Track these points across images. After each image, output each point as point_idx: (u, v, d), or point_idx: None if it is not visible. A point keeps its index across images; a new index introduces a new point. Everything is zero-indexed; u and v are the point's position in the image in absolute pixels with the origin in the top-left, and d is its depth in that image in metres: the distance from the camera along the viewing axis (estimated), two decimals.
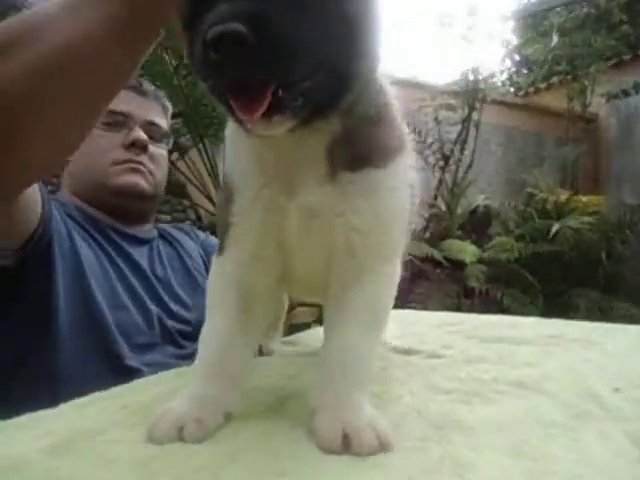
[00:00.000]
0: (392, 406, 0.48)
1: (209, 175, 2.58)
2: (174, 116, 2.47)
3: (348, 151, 0.40)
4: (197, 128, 2.37)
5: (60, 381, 0.67)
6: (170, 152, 1.12)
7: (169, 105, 0.98)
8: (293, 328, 1.07)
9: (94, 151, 0.81)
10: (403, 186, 0.43)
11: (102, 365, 0.71)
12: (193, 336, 0.89)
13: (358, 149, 0.40)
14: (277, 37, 0.30)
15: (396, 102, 0.44)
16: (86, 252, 0.75)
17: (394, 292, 0.45)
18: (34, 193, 0.63)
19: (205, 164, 2.55)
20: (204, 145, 2.44)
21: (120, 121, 0.83)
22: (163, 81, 2.15)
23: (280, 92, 0.32)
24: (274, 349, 0.71)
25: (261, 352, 0.70)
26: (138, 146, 0.83)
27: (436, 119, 3.88)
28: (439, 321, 0.98)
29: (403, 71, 4.73)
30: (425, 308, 2.77)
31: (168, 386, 0.53)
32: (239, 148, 0.43)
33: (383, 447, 0.36)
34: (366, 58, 0.37)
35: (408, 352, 0.70)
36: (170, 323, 0.84)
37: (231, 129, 0.44)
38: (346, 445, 0.36)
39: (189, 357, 0.84)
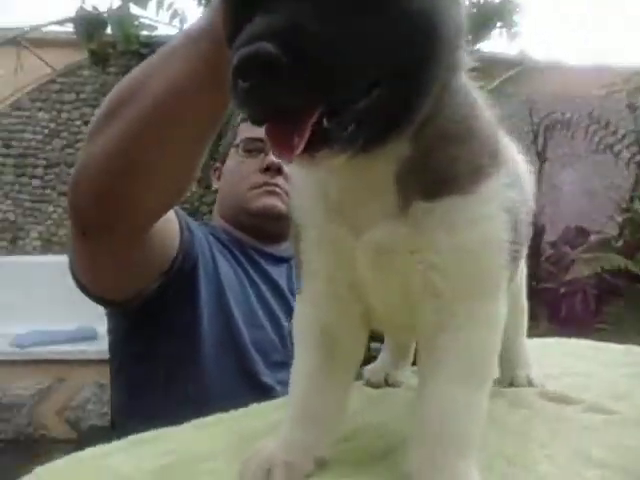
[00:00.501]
0: (522, 475, 0.40)
1: None
2: None
3: (423, 177, 0.34)
4: None
5: (204, 399, 0.72)
6: None
7: None
8: None
9: (236, 177, 0.89)
10: (497, 212, 0.35)
11: (240, 382, 0.76)
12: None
13: (435, 173, 0.34)
14: (316, 55, 0.25)
15: (486, 111, 0.37)
16: (226, 271, 0.81)
17: (498, 336, 0.38)
18: (169, 223, 0.70)
19: None
20: None
21: (259, 147, 0.89)
22: None
23: (325, 122, 0.27)
24: (402, 380, 0.66)
25: (387, 383, 0.66)
26: (273, 169, 0.88)
27: (630, 106, 3.28)
28: (616, 357, 0.80)
29: (586, 53, 4.15)
30: (617, 331, 2.35)
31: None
32: (302, 180, 0.40)
33: None
34: (439, 64, 0.31)
35: (563, 400, 0.58)
36: None
37: None
38: None
39: None
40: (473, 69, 0.36)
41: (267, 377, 0.78)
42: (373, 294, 0.38)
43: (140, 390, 0.79)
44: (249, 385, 0.75)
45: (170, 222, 0.71)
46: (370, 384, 0.66)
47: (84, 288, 0.69)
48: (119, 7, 2.59)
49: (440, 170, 0.34)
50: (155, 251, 0.69)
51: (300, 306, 0.43)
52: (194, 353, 0.77)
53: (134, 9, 2.64)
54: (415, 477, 0.34)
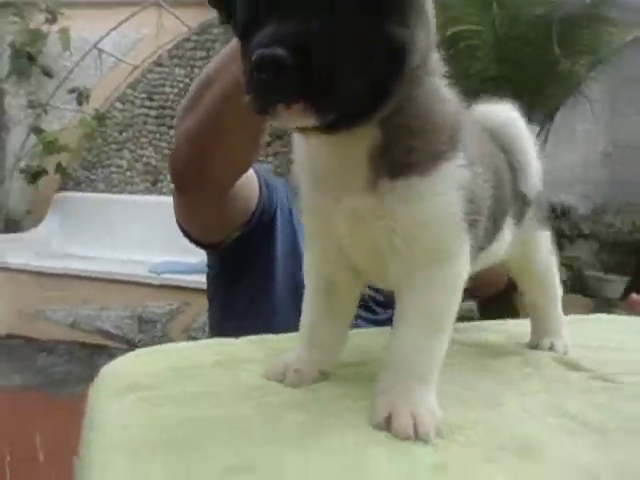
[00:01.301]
0: (485, 408, 0.48)
1: None
2: None
3: (389, 159, 0.41)
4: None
5: (275, 326, 0.88)
6: None
7: None
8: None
9: None
10: (450, 190, 0.41)
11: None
12: (385, 304, 1.00)
13: (398, 157, 0.41)
14: (317, 63, 0.33)
15: (452, 106, 0.43)
16: (299, 218, 0.94)
17: (454, 294, 0.45)
18: (250, 182, 0.84)
19: None
20: None
21: None
22: None
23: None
24: None
25: None
26: None
27: None
28: None
29: None
30: None
31: None
32: (298, 152, 0.48)
33: (418, 435, 0.40)
34: (404, 75, 0.38)
35: (573, 367, 0.62)
36: (364, 290, 0.97)
37: (295, 135, 0.48)
38: (388, 425, 0.41)
39: (381, 323, 0.96)
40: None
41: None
42: (352, 251, 0.48)
43: (226, 315, 0.98)
44: None
45: (250, 181, 0.85)
46: None
47: (185, 232, 0.87)
48: None
49: (403, 154, 0.41)
50: (237, 205, 0.84)
51: (306, 256, 0.54)
52: (268, 293, 0.92)
53: None
54: (377, 394, 0.44)
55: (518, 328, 0.79)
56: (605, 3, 2.11)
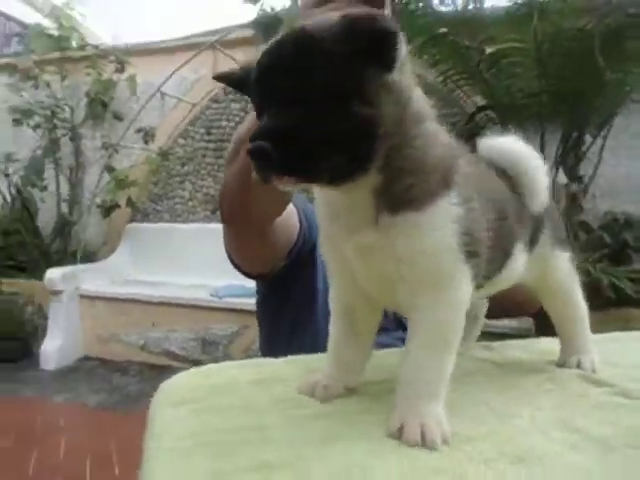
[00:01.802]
0: (494, 421, 0.52)
1: None
2: (483, 108, 2.54)
3: (389, 197, 0.47)
4: (505, 120, 2.36)
5: (318, 347, 0.95)
6: None
7: None
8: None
9: None
10: (445, 223, 0.47)
11: None
12: None
13: (397, 195, 0.47)
14: (295, 147, 0.42)
15: (445, 148, 0.49)
16: None
17: (459, 314, 0.50)
18: (290, 217, 0.92)
19: None
20: None
21: None
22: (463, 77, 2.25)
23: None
24: (461, 350, 0.79)
25: None
26: None
27: None
28: None
29: None
30: None
31: None
32: (316, 193, 0.55)
33: (425, 443, 0.45)
34: (379, 144, 0.44)
35: (595, 383, 0.65)
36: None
37: None
38: (400, 435, 0.47)
39: None
40: None
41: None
42: (364, 282, 0.54)
43: (272, 337, 1.07)
44: None
45: (290, 216, 0.93)
46: None
47: (234, 264, 0.97)
48: (290, 7, 2.92)
49: (401, 193, 0.47)
50: (279, 239, 0.92)
51: (331, 287, 0.60)
52: (311, 317, 1.00)
53: None
54: (396, 409, 0.49)
55: (550, 346, 0.81)
56: None
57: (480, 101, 2.61)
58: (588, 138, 2.47)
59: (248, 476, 0.41)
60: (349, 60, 0.41)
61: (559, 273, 0.70)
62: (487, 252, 0.52)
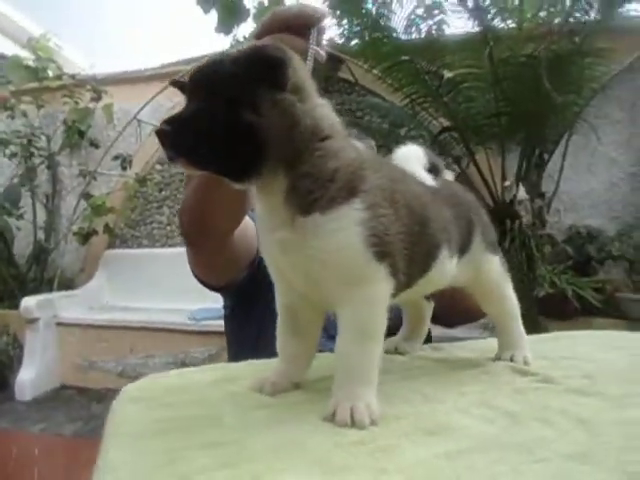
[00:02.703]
0: (420, 402, 0.58)
1: (484, 182, 2.64)
2: (446, 130, 2.67)
3: (297, 199, 0.54)
4: (466, 140, 2.49)
5: None
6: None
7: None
8: None
9: None
10: (348, 226, 0.53)
11: None
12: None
13: (303, 198, 0.54)
14: (187, 134, 0.51)
15: (346, 161, 0.56)
16: None
17: (376, 309, 0.55)
18: (248, 230, 0.98)
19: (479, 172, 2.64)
20: (472, 155, 2.54)
21: None
22: (427, 100, 2.39)
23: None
24: (409, 350, 0.85)
25: (396, 350, 0.86)
26: None
27: None
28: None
29: None
30: None
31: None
32: (255, 203, 0.62)
33: (354, 423, 0.51)
34: (270, 150, 0.52)
35: (524, 373, 0.71)
36: None
37: None
38: (333, 418, 0.53)
39: None
40: None
41: (324, 347, 1.02)
42: (290, 277, 0.60)
43: (239, 349, 1.11)
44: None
45: (248, 228, 0.99)
46: (385, 350, 0.87)
47: (198, 279, 1.02)
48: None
49: (305, 196, 0.54)
50: (239, 250, 0.98)
51: (275, 289, 0.66)
52: (274, 325, 1.05)
53: None
54: (332, 396, 0.55)
55: (490, 345, 0.87)
56: (588, 37, 2.23)
57: (445, 122, 2.74)
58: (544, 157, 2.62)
59: (198, 452, 0.46)
60: (247, 79, 0.52)
61: (492, 274, 0.77)
62: (404, 253, 0.58)
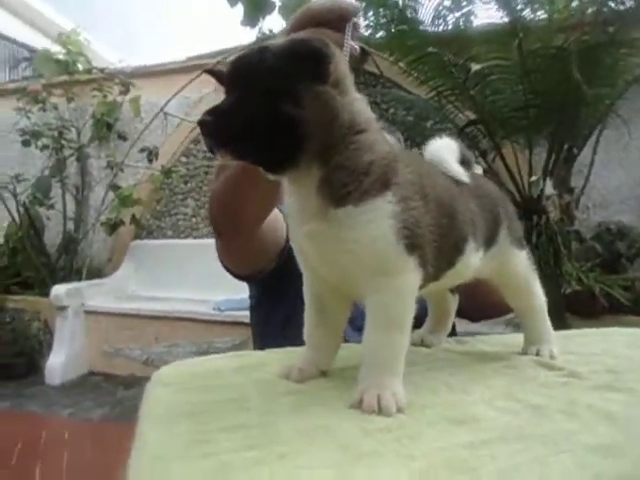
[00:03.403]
0: (447, 396, 0.59)
1: (510, 176, 2.60)
2: (472, 123, 2.64)
3: (330, 191, 0.55)
4: (493, 133, 2.45)
5: None
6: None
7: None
8: None
9: None
10: (379, 219, 0.54)
11: None
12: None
13: (336, 190, 0.54)
14: (229, 126, 0.52)
15: (379, 155, 0.56)
16: None
17: (405, 299, 0.56)
18: (277, 221, 0.99)
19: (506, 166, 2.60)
20: (499, 149, 2.50)
21: None
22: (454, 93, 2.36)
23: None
24: (434, 342, 0.85)
25: (422, 343, 0.86)
26: None
27: None
28: None
29: None
30: None
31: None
32: (285, 195, 0.62)
33: (381, 410, 0.52)
34: (305, 140, 0.53)
35: (551, 368, 0.71)
36: None
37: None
38: (360, 406, 0.54)
39: None
40: None
41: (350, 338, 1.03)
42: (320, 268, 0.61)
43: (265, 340, 1.13)
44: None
45: (278, 219, 1.00)
46: (411, 342, 0.87)
47: (227, 268, 1.04)
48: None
49: (339, 188, 0.54)
50: (268, 241, 0.99)
51: (304, 278, 0.68)
52: (301, 315, 1.07)
53: None
54: (359, 384, 0.56)
55: (515, 340, 0.87)
56: (623, 27, 2.16)
57: (471, 116, 2.70)
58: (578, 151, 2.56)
59: (226, 435, 0.47)
60: (289, 70, 0.52)
61: (518, 269, 0.77)
62: (433, 245, 0.59)
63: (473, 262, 0.70)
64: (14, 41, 8.16)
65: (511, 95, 2.36)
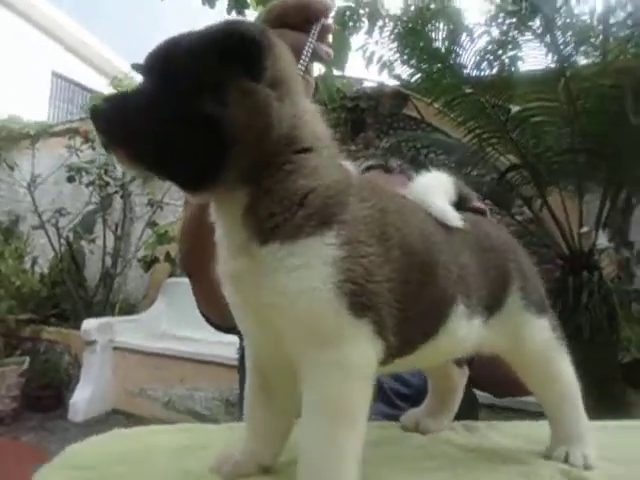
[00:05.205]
0: None
1: (558, 226, 2.37)
2: (514, 168, 2.46)
3: (256, 221, 0.42)
4: (537, 179, 2.26)
5: None
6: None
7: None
8: None
9: None
10: (315, 264, 0.40)
11: None
12: (410, 397, 0.93)
13: (262, 220, 0.42)
14: (128, 118, 0.41)
15: (323, 182, 0.43)
16: None
17: (349, 382, 0.41)
18: None
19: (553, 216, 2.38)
20: (544, 196, 2.29)
21: None
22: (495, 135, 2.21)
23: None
24: (432, 428, 0.68)
25: (418, 428, 0.69)
26: None
27: None
28: None
29: None
30: None
31: None
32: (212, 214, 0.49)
33: None
34: (229, 152, 0.41)
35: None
36: (387, 381, 0.91)
37: None
38: None
39: None
40: None
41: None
42: (247, 325, 0.47)
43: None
44: None
45: None
46: (402, 426, 0.70)
47: (205, 317, 0.92)
48: (324, 72, 3.04)
49: (266, 218, 0.41)
50: None
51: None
52: None
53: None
54: None
55: (544, 430, 0.68)
56: None
57: (513, 159, 2.52)
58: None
59: None
60: (213, 58, 0.41)
61: (536, 342, 0.59)
62: (396, 307, 0.44)
63: (466, 332, 0.53)
64: (83, 87, 8.84)
65: (557, 138, 2.18)
